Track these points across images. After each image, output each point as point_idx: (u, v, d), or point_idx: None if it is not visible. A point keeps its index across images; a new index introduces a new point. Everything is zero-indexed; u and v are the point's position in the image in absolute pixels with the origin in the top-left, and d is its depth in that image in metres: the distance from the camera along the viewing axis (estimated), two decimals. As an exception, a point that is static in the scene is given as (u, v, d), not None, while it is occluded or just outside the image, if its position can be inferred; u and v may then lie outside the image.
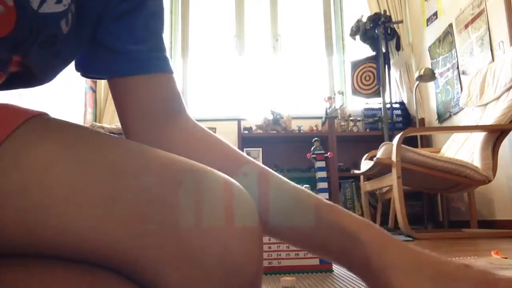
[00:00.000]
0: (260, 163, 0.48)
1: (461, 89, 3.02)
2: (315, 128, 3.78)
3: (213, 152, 0.48)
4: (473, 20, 2.92)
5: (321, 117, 3.80)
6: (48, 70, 0.45)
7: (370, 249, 0.41)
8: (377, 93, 3.78)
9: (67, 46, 0.44)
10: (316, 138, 3.12)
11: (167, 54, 0.50)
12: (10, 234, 0.31)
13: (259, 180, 0.45)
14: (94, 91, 3.66)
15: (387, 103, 3.51)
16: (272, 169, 0.47)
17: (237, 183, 0.36)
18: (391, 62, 3.75)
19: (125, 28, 0.46)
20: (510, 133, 2.30)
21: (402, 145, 2.31)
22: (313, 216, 0.43)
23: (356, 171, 3.02)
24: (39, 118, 0.35)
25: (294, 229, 0.44)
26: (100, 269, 0.32)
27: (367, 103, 3.91)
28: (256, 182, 0.45)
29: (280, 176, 0.47)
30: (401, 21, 3.77)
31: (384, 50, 3.59)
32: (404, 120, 3.74)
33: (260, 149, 3.51)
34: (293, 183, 0.46)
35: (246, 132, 3.62)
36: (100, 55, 0.47)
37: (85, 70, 0.50)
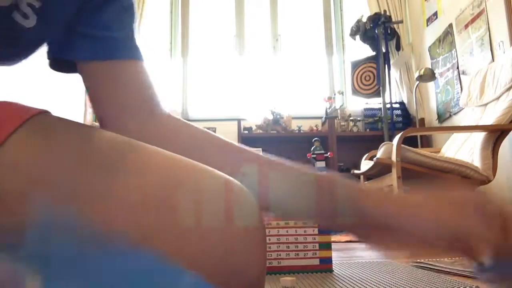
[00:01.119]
0: (248, 150, 0.48)
1: (461, 89, 3.02)
2: (315, 128, 3.78)
3: (190, 141, 0.48)
4: (473, 20, 2.92)
5: (321, 117, 3.80)
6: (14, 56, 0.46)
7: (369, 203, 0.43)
8: (377, 93, 3.77)
9: (32, 40, 0.44)
10: (316, 138, 3.14)
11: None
12: (8, 238, 0.30)
13: (258, 175, 0.45)
14: (94, 91, 3.65)
15: (387, 103, 3.51)
16: None
17: (239, 183, 0.36)
18: (391, 62, 3.74)
19: (100, 18, 0.47)
20: (510, 133, 2.30)
21: (402, 145, 2.31)
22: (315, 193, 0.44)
23: (356, 171, 3.01)
24: (41, 117, 0.34)
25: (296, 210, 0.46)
26: None
27: (367, 103, 3.91)
28: (255, 176, 0.45)
29: (273, 161, 0.47)
30: (401, 21, 3.77)
31: (384, 50, 3.59)
32: (404, 120, 3.74)
33: (260, 149, 3.51)
34: (289, 165, 0.46)
35: (246, 132, 3.62)
36: (76, 42, 0.47)
37: (60, 55, 0.49)
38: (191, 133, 0.49)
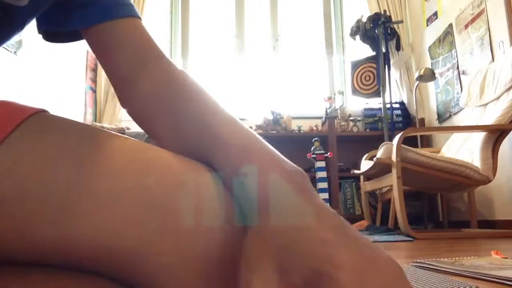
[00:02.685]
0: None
1: (461, 89, 3.02)
2: (315, 128, 3.78)
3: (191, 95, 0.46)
4: (473, 20, 2.92)
5: (321, 117, 3.80)
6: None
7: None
8: (377, 93, 3.78)
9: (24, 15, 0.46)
10: (316, 138, 3.14)
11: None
12: (6, 243, 0.30)
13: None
14: (94, 91, 3.66)
15: (387, 103, 3.51)
16: None
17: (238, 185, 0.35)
18: (391, 62, 3.74)
19: None
20: (510, 133, 2.30)
21: (402, 145, 2.31)
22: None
23: (356, 171, 3.02)
24: (38, 117, 0.34)
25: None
26: (99, 276, 0.31)
27: (367, 103, 3.91)
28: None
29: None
30: (401, 21, 3.77)
31: (384, 50, 3.59)
32: (404, 120, 3.74)
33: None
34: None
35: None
36: (72, 12, 0.49)
37: (59, 28, 0.51)
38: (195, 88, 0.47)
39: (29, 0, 0.43)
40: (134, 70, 0.48)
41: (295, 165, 0.33)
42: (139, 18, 0.51)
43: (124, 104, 0.50)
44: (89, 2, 0.48)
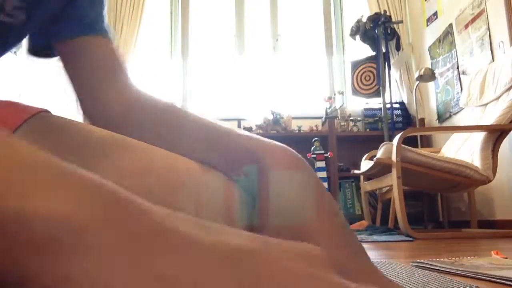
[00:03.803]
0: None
1: (461, 89, 3.02)
2: (315, 128, 3.78)
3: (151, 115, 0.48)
4: (473, 20, 2.92)
5: (321, 117, 3.80)
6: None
7: None
8: (377, 93, 3.78)
9: (17, 34, 0.47)
10: (316, 138, 3.14)
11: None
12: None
13: None
14: (94, 91, 3.65)
15: (387, 103, 3.52)
16: None
17: (237, 185, 0.35)
18: (391, 62, 3.75)
19: (74, 4, 0.50)
20: (510, 133, 2.30)
21: (402, 145, 2.31)
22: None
23: (356, 171, 3.02)
24: (40, 117, 0.34)
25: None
26: None
27: (367, 103, 3.91)
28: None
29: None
30: (401, 21, 3.77)
31: (384, 50, 3.59)
32: (404, 120, 3.74)
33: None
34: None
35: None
36: (52, 27, 0.51)
37: (39, 42, 0.52)
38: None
39: (25, 19, 0.43)
40: (103, 87, 0.49)
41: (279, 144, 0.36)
42: (110, 39, 0.53)
43: (90, 118, 0.51)
44: (69, 16, 0.50)
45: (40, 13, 0.46)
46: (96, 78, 0.50)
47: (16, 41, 0.49)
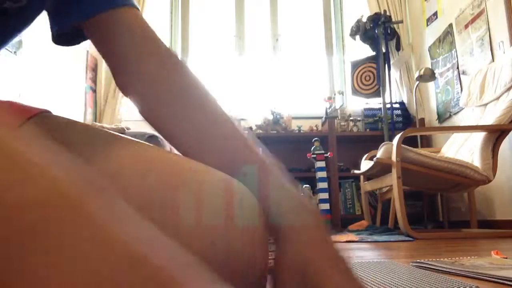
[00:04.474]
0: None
1: (461, 89, 3.02)
2: (315, 128, 3.78)
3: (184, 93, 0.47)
4: (473, 20, 2.92)
5: (321, 117, 3.80)
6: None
7: None
8: (377, 93, 3.78)
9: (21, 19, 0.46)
10: (316, 138, 3.14)
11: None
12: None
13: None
14: (94, 91, 3.66)
15: (387, 103, 3.52)
16: None
17: (240, 183, 0.35)
18: (391, 62, 3.75)
19: None
20: (510, 133, 2.30)
21: (402, 145, 2.31)
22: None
23: (356, 171, 3.02)
24: (41, 117, 0.34)
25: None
26: None
27: (367, 103, 3.91)
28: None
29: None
30: (401, 21, 3.77)
31: (384, 50, 3.59)
32: (404, 120, 3.74)
33: (260, 149, 3.50)
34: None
35: (246, 132, 3.62)
36: (74, 7, 0.49)
37: (65, 28, 0.51)
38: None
39: (26, 3, 0.43)
40: (135, 58, 0.48)
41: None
42: (137, 8, 0.51)
43: (126, 92, 0.50)
44: None
45: None
46: (136, 50, 0.48)
47: (22, 26, 0.47)
